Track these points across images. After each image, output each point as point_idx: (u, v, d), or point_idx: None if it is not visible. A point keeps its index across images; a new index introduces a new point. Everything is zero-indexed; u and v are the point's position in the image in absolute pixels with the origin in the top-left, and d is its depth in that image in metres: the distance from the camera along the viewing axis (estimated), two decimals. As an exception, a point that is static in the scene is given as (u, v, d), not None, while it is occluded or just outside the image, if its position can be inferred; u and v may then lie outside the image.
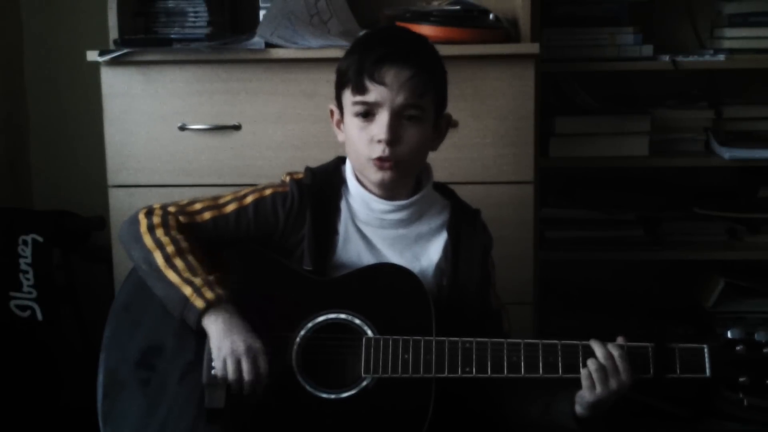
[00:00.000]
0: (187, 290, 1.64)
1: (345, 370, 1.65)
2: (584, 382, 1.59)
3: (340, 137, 1.79)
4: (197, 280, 1.65)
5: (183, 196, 1.85)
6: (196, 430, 1.62)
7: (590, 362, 1.59)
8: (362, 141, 1.70)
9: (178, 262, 1.67)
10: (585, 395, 1.60)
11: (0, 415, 2.38)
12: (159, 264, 1.68)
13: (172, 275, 1.66)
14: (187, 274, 1.66)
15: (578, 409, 1.63)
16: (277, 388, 1.64)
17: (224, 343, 1.62)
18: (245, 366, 1.60)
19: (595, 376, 1.58)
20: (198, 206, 1.77)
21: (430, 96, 1.72)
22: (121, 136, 2.25)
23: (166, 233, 1.71)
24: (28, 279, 2.46)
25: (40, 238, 2.48)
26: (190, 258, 1.69)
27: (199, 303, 1.63)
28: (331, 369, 1.65)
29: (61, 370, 2.51)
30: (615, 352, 1.59)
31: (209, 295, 1.64)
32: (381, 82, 1.67)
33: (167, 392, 1.65)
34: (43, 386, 2.46)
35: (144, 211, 1.76)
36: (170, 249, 1.69)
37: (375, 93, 1.67)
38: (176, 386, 1.65)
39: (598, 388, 1.58)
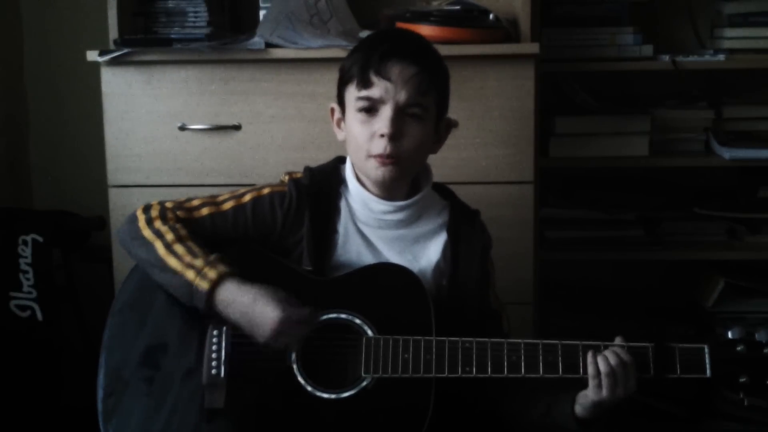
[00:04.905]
0: (190, 274, 1.64)
1: (345, 370, 1.65)
2: (591, 382, 1.59)
3: (340, 136, 1.80)
4: (198, 262, 1.65)
5: (183, 196, 1.84)
6: (201, 428, 1.62)
7: (602, 364, 1.58)
8: (364, 136, 1.70)
9: (179, 248, 1.67)
10: (589, 395, 1.60)
11: (0, 415, 2.38)
12: (160, 253, 1.67)
13: (173, 262, 1.66)
14: (188, 258, 1.66)
15: (579, 409, 1.63)
16: (277, 388, 1.64)
17: (255, 327, 1.61)
18: (284, 337, 1.61)
19: (605, 381, 1.58)
20: (196, 203, 1.77)
21: (433, 95, 1.72)
22: (121, 136, 2.25)
23: (165, 223, 1.71)
24: (28, 279, 2.45)
25: (40, 238, 2.48)
26: (190, 243, 1.68)
27: (204, 285, 1.62)
28: (331, 369, 1.65)
29: (61, 370, 2.51)
30: (629, 361, 1.58)
31: (212, 274, 1.63)
32: (386, 77, 1.67)
33: (172, 390, 1.64)
34: (43, 386, 2.46)
35: (141, 208, 1.76)
36: (170, 237, 1.68)
37: (379, 88, 1.68)
38: (181, 384, 1.64)
39: (605, 392, 1.58)
